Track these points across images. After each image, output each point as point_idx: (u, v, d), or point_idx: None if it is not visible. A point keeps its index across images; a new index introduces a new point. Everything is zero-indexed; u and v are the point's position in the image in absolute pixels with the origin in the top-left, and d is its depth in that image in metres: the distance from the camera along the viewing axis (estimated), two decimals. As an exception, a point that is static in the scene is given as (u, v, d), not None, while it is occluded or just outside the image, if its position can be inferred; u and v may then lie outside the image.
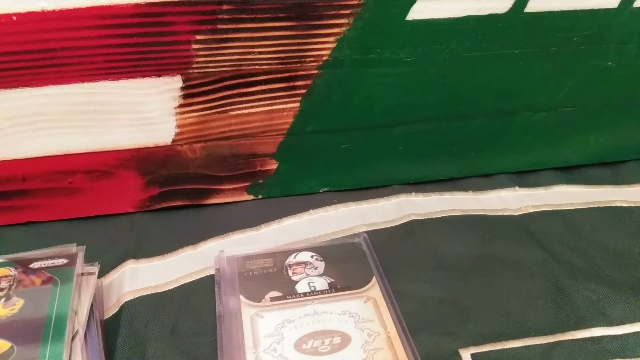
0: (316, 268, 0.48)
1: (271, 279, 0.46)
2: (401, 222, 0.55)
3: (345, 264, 0.48)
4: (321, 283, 0.46)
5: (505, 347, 0.43)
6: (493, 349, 0.43)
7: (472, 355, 0.43)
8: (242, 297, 0.44)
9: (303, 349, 0.41)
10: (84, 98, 0.47)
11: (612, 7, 0.52)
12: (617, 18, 0.52)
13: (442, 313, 0.46)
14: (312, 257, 0.49)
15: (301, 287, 0.46)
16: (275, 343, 0.41)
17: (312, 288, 0.46)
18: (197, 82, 0.48)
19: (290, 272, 0.47)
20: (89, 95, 0.47)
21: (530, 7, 0.50)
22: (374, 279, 0.47)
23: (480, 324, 0.45)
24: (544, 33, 0.52)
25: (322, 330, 0.42)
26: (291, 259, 0.48)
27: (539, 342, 0.44)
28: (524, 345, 0.44)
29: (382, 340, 0.42)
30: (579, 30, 0.53)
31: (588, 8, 0.51)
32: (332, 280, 0.46)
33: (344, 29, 0.48)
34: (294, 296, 0.45)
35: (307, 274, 0.47)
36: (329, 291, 0.45)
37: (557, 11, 0.51)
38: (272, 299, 0.45)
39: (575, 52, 0.54)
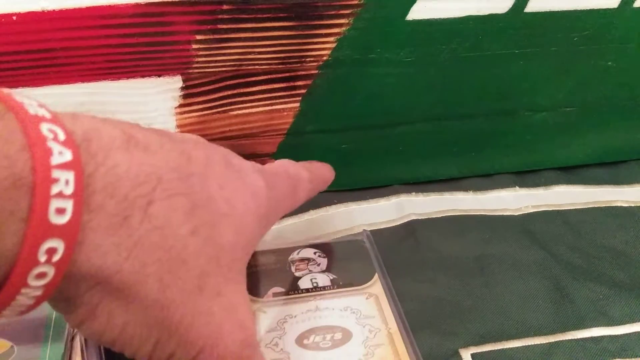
0: (319, 265, 0.48)
1: (274, 275, 0.47)
2: (401, 222, 0.55)
3: (348, 261, 0.48)
4: (323, 279, 0.46)
5: (505, 347, 0.43)
6: (493, 349, 0.43)
7: (472, 355, 0.43)
8: (243, 295, 0.45)
9: (304, 344, 0.41)
10: (84, 98, 0.47)
11: (612, 7, 0.52)
12: (617, 18, 0.52)
13: (442, 313, 0.46)
14: (315, 253, 0.49)
15: (304, 284, 0.46)
16: (277, 338, 0.41)
17: (315, 284, 0.46)
18: (197, 82, 0.48)
19: (293, 269, 0.47)
20: (89, 95, 0.47)
21: (530, 7, 0.50)
22: (376, 276, 0.47)
23: (480, 324, 0.45)
24: (544, 33, 0.52)
25: (323, 326, 0.42)
26: (294, 256, 0.48)
27: (539, 342, 0.44)
28: (524, 345, 0.44)
29: (383, 336, 0.42)
30: (579, 30, 0.53)
31: (588, 8, 0.51)
32: (334, 276, 0.47)
33: (344, 29, 0.48)
34: (296, 292, 0.45)
35: (310, 271, 0.47)
36: (331, 287, 0.45)
37: (557, 11, 0.51)
38: (275, 294, 0.45)
39: (575, 52, 0.54)
